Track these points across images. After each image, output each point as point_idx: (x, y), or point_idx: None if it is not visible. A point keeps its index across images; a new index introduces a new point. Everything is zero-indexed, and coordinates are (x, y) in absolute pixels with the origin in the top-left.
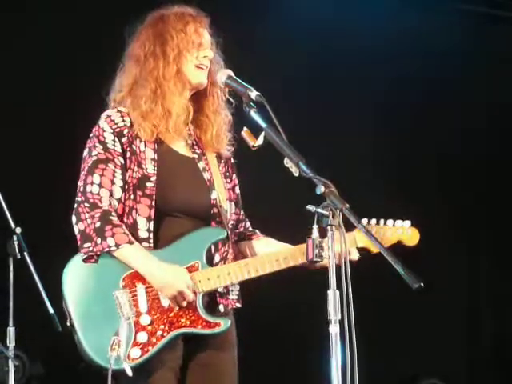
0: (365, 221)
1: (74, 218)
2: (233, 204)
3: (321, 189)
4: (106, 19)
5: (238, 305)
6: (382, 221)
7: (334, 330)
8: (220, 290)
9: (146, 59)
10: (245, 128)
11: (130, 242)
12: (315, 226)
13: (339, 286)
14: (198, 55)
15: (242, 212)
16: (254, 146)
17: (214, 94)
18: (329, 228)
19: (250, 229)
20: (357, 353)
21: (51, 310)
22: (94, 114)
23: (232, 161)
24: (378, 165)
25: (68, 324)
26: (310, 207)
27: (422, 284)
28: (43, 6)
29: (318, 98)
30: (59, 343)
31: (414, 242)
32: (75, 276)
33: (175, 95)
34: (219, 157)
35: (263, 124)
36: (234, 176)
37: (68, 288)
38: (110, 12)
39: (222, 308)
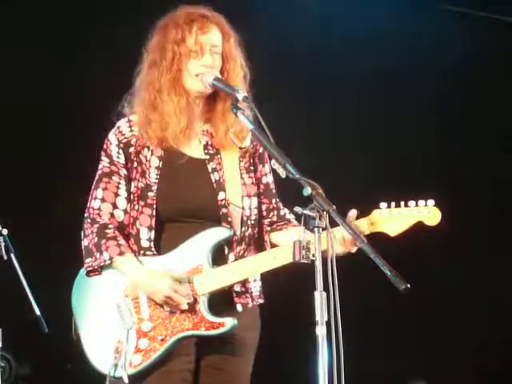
0: (384, 204)
1: (81, 234)
2: (254, 199)
3: (308, 190)
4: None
5: (260, 301)
6: (402, 203)
7: (320, 331)
8: (237, 289)
9: (147, 68)
10: (232, 129)
11: (121, 254)
12: (302, 228)
13: (326, 288)
14: (197, 64)
15: (273, 200)
16: (240, 148)
17: (227, 96)
18: (315, 230)
19: (287, 216)
20: (344, 354)
21: (38, 312)
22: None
23: (260, 151)
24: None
25: (74, 335)
26: (297, 209)
27: (409, 286)
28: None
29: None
30: (46, 344)
31: (435, 221)
32: (82, 289)
33: (169, 106)
34: (244, 151)
35: (250, 125)
36: (262, 166)
37: (75, 300)
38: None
39: (239, 307)
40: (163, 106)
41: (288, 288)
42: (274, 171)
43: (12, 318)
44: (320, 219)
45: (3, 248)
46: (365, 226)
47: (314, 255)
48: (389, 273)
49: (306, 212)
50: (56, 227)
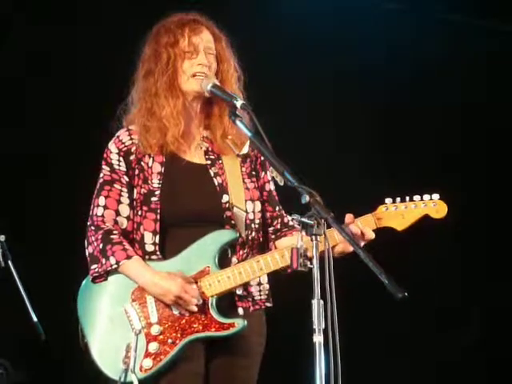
0: (389, 200)
1: (85, 243)
2: (257, 203)
3: (306, 198)
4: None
5: (268, 304)
6: (407, 198)
7: (317, 339)
8: (239, 292)
9: (143, 78)
10: (229, 136)
11: (128, 257)
12: (299, 235)
13: (324, 296)
14: (193, 64)
15: (277, 208)
16: (238, 155)
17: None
18: (313, 237)
19: (290, 223)
20: (340, 362)
21: (35, 318)
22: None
23: (261, 158)
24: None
25: (81, 343)
26: (295, 216)
27: (406, 294)
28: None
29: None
30: (43, 351)
31: (441, 214)
32: (88, 297)
33: (165, 109)
34: (245, 157)
35: (248, 133)
36: (264, 173)
37: (82, 309)
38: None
39: (241, 311)
40: (160, 111)
41: (286, 295)
42: (272, 178)
43: (9, 325)
44: (318, 227)
45: (1, 255)
46: (371, 221)
47: (311, 263)
48: (386, 281)
49: (304, 219)
50: (54, 234)
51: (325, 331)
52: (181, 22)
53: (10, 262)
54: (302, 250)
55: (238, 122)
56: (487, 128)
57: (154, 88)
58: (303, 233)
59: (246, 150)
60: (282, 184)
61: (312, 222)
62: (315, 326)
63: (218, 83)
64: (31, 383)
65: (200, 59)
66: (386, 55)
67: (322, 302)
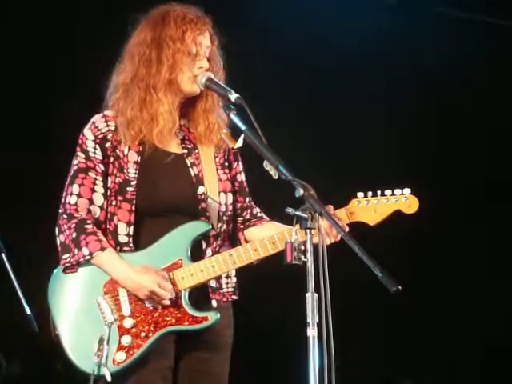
0: (361, 194)
1: (56, 231)
2: (229, 195)
3: (300, 192)
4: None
5: (235, 297)
6: (378, 192)
7: (311, 332)
8: (212, 284)
9: (140, 63)
10: (224, 130)
11: (102, 249)
12: (294, 229)
13: (317, 289)
14: (194, 66)
15: (247, 199)
16: (233, 148)
17: (208, 95)
18: (307, 231)
19: (259, 215)
20: (334, 355)
21: (28, 311)
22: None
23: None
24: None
25: (53, 334)
26: (289, 210)
27: (400, 287)
28: None
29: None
30: (36, 344)
31: (412, 209)
32: (59, 287)
33: (163, 105)
34: (219, 147)
35: (242, 126)
36: (236, 164)
37: (52, 299)
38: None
39: (214, 303)
40: (157, 105)
41: (279, 289)
42: (266, 172)
43: (2, 318)
44: (312, 220)
45: None
46: (344, 215)
47: (305, 256)
48: (380, 274)
49: (298, 213)
50: (46, 226)
51: (319, 325)
52: (189, 18)
53: (3, 255)
54: (296, 244)
55: (232, 116)
56: (487, 128)
57: (153, 80)
58: (297, 226)
59: (240, 143)
60: (276, 177)
61: (306, 216)
62: (309, 320)
63: (213, 77)
64: (24, 376)
65: (203, 63)
66: (385, 52)
67: (316, 295)
